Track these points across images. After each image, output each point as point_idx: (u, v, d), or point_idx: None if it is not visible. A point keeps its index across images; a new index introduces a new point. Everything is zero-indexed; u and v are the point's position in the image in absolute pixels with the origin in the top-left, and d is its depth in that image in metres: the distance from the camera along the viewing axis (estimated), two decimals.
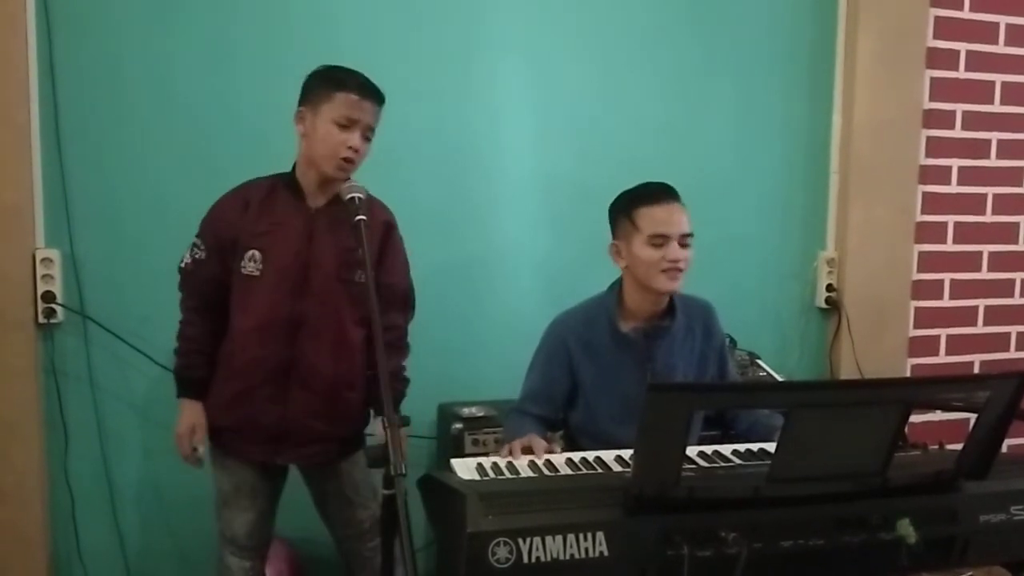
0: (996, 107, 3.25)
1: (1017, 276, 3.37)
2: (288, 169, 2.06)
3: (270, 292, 1.99)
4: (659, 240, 1.94)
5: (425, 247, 2.47)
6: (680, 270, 1.95)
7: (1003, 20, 3.22)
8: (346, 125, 1.94)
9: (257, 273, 1.99)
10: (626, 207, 2.01)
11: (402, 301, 2.13)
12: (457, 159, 2.75)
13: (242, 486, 2.08)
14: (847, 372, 3.12)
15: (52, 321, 2.42)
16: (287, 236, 1.99)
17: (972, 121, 3.22)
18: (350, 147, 1.95)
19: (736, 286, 2.95)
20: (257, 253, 1.99)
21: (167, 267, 2.09)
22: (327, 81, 1.97)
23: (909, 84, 3.11)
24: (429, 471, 1.75)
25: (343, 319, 2.03)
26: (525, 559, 1.29)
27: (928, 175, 3.19)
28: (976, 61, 3.20)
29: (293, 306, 1.99)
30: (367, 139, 1.99)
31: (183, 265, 2.06)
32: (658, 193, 1.99)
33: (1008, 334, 3.37)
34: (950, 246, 3.26)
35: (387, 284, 2.03)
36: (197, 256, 2.04)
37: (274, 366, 2.00)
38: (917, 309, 3.24)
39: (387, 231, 2.09)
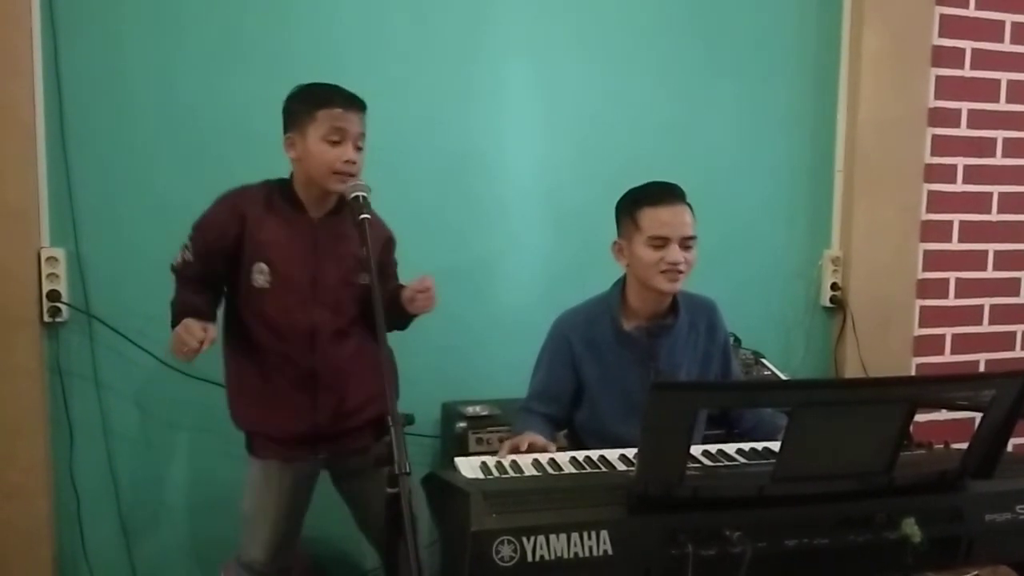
0: (1002, 105, 3.24)
1: (1023, 275, 3.36)
2: (280, 174, 2.05)
3: (282, 304, 2.00)
4: (659, 242, 1.93)
5: (429, 246, 2.47)
6: (680, 272, 1.94)
7: (1009, 18, 3.20)
8: (337, 140, 1.94)
9: (267, 285, 1.99)
10: (630, 206, 2.01)
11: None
12: (460, 159, 2.75)
13: (267, 503, 2.07)
14: (852, 371, 3.11)
15: (57, 320, 2.42)
16: (293, 248, 2.00)
17: (977, 119, 3.21)
18: (346, 160, 1.95)
19: (741, 285, 2.94)
20: (264, 265, 1.99)
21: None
22: (306, 102, 1.97)
23: (914, 82, 3.10)
24: (433, 470, 1.75)
25: (356, 320, 2.08)
26: (529, 558, 1.29)
27: (933, 173, 3.19)
28: (982, 59, 3.19)
29: (306, 315, 2.01)
30: (359, 148, 1.99)
31: (175, 264, 2.05)
32: (663, 194, 1.98)
33: (1014, 333, 3.36)
34: (955, 245, 3.25)
35: (389, 288, 2.11)
36: (187, 257, 2.02)
37: (300, 373, 2.02)
38: (922, 308, 3.23)
39: (387, 245, 2.15)
